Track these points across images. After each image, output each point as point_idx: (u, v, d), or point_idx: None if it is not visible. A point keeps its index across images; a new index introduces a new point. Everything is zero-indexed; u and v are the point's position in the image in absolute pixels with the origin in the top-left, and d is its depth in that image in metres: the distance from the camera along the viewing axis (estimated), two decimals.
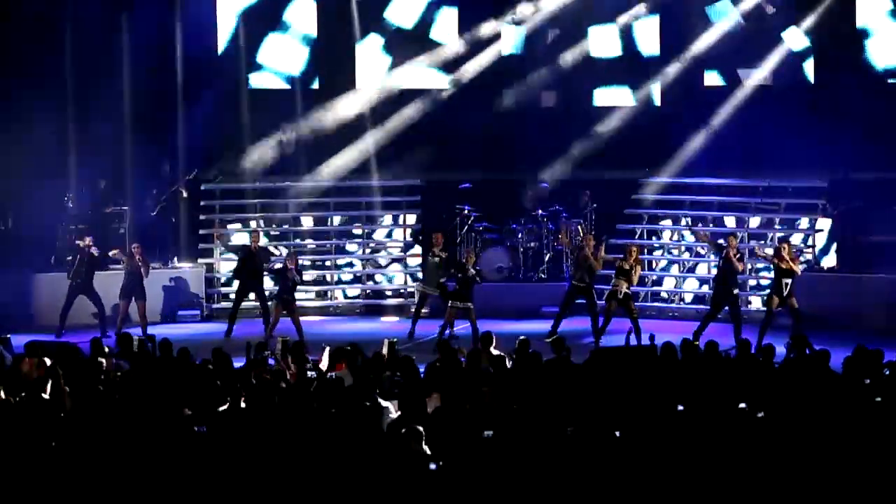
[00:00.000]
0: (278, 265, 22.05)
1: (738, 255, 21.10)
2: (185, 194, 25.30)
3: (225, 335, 21.85)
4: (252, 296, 22.58)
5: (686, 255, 25.55)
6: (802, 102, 25.61)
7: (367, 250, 26.75)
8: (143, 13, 25.55)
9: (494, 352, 16.06)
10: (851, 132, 24.37)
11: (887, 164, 24.80)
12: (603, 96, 26.88)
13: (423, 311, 22.38)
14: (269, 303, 22.27)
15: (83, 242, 22.38)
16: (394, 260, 26.66)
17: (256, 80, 27.17)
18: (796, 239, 24.57)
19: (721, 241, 21.47)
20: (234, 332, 22.03)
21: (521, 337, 16.14)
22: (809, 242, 24.71)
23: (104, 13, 25.40)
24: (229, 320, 22.33)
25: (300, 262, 22.55)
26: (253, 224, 26.08)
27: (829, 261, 24.56)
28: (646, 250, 25.33)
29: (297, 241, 26.36)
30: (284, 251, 25.16)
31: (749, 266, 24.02)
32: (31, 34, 25.14)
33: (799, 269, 20.94)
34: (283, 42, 27.17)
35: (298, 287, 21.84)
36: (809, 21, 25.95)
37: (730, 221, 25.41)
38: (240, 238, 26.01)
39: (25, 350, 15.86)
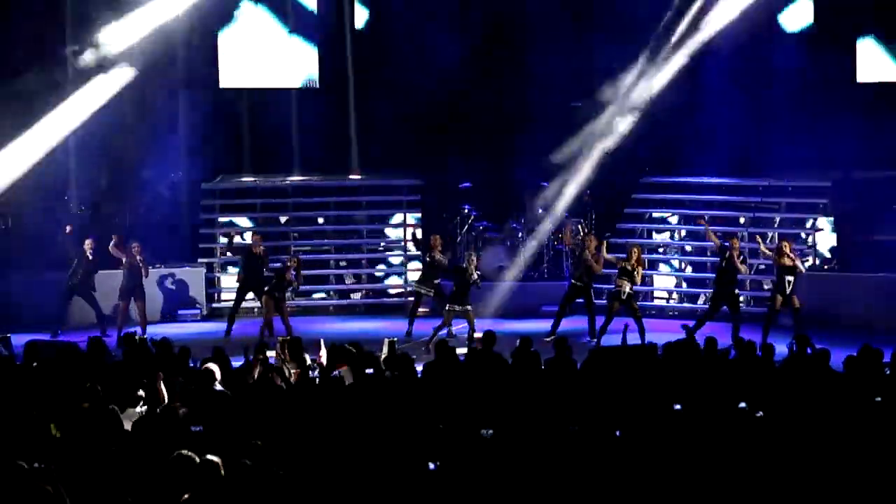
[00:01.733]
0: (281, 265, 22.05)
1: (741, 258, 21.11)
2: (165, 194, 25.38)
3: (224, 334, 21.89)
4: (250, 295, 22.58)
5: (686, 253, 25.56)
6: (803, 101, 25.62)
7: (368, 250, 26.75)
8: None
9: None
10: (853, 131, 24.38)
11: (888, 162, 24.81)
12: None
13: (419, 309, 22.46)
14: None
15: (85, 246, 22.43)
16: (393, 260, 26.67)
17: (256, 79, 27.22)
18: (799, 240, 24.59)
19: (725, 243, 21.42)
20: (233, 331, 22.04)
21: (524, 336, 16.14)
22: (809, 242, 24.71)
23: None
24: (228, 320, 22.35)
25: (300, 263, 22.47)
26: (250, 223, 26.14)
27: (829, 260, 24.56)
28: (646, 250, 25.34)
29: (297, 240, 26.39)
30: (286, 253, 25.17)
31: (749, 266, 24.04)
32: (31, 31, 25.15)
33: (802, 266, 20.93)
34: (283, 41, 27.24)
35: (295, 288, 21.96)
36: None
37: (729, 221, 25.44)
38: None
39: (25, 350, 15.86)
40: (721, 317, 21.29)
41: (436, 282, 21.97)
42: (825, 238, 24.76)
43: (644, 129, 26.08)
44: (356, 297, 26.17)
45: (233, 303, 22.70)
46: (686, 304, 24.78)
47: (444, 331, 21.04)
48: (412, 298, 23.26)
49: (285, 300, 21.69)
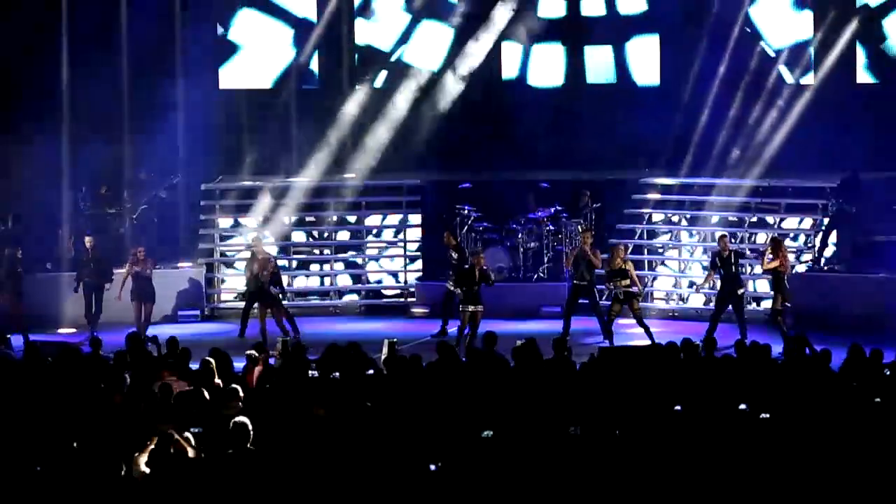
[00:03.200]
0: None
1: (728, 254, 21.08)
2: (163, 195, 25.41)
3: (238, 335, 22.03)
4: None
5: (686, 255, 25.53)
6: (806, 103, 25.64)
7: (368, 250, 26.73)
8: (141, 14, 25.59)
9: None
10: (857, 132, 24.40)
11: (889, 163, 24.81)
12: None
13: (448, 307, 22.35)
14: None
15: (87, 243, 22.53)
16: (394, 260, 26.65)
17: (254, 80, 27.23)
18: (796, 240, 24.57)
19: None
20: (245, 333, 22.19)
21: (528, 336, 16.14)
22: (809, 243, 24.69)
23: (102, 15, 25.46)
24: (241, 321, 22.45)
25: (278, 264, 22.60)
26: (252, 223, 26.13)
27: (828, 261, 24.51)
28: (646, 250, 25.33)
29: (298, 241, 26.40)
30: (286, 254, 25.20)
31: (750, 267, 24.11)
32: (29, 38, 25.19)
33: (765, 267, 20.79)
34: (282, 42, 27.27)
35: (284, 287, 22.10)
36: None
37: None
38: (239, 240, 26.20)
39: (25, 350, 15.88)
40: (725, 317, 21.34)
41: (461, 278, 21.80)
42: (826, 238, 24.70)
43: (644, 129, 26.08)
44: (356, 297, 26.15)
45: (245, 304, 22.85)
46: (686, 305, 24.74)
47: (465, 331, 20.98)
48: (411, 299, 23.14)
49: (272, 302, 21.67)
